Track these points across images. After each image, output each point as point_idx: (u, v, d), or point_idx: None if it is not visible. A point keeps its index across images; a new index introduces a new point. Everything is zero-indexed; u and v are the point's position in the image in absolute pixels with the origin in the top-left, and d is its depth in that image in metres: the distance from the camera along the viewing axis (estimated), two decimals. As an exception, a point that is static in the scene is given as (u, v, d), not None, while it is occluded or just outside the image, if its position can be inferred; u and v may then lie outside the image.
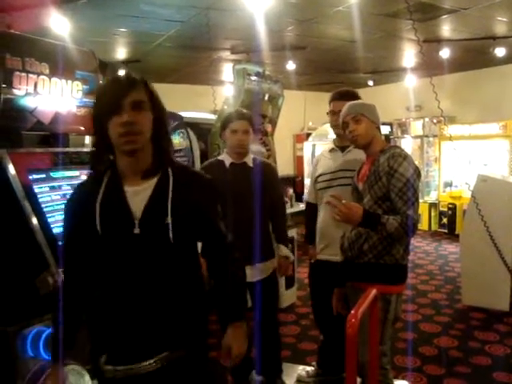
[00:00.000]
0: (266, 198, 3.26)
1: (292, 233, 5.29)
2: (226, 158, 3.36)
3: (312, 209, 3.56)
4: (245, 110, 3.49)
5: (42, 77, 2.65)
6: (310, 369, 3.85)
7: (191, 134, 5.60)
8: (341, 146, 3.39)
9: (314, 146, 9.31)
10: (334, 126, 3.40)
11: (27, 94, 2.58)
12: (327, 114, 3.43)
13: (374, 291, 2.21)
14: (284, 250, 3.51)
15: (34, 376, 2.28)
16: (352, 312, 1.93)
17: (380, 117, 2.89)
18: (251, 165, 3.36)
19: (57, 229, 2.54)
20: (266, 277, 3.38)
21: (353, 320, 1.85)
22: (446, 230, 9.77)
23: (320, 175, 3.42)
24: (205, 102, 7.15)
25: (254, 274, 3.22)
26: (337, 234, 3.06)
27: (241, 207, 3.07)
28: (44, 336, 2.29)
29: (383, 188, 2.65)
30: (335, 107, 3.30)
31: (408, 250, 2.78)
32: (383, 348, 2.71)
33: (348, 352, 1.80)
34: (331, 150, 3.46)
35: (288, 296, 5.47)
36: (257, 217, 3.20)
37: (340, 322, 3.30)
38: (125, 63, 9.41)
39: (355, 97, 3.25)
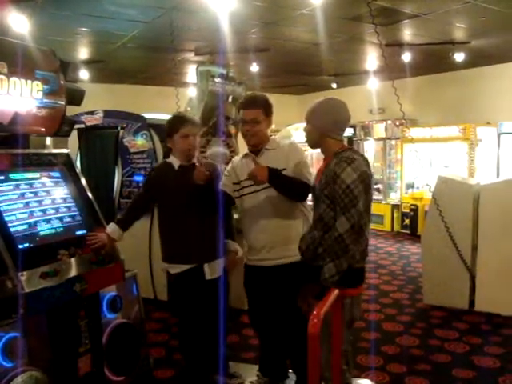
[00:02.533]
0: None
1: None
2: (175, 161, 3.38)
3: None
4: (190, 115, 3.52)
5: (0, 76, 2.58)
6: (255, 379, 3.68)
7: (154, 135, 5.56)
8: (253, 150, 3.32)
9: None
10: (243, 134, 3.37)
11: (-15, 93, 2.52)
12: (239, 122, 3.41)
13: (336, 291, 2.23)
14: (233, 245, 3.54)
15: (-9, 383, 2.23)
16: (314, 312, 1.95)
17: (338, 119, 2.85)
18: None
19: (15, 232, 2.48)
20: (219, 276, 3.39)
21: (315, 320, 1.87)
22: (408, 231, 9.94)
23: (239, 182, 3.35)
24: (169, 103, 7.09)
25: (210, 272, 3.30)
26: (266, 241, 3.19)
27: (191, 207, 3.19)
28: (2, 342, 2.23)
29: (332, 192, 2.67)
30: (245, 116, 3.27)
31: (365, 253, 2.78)
32: (346, 346, 2.74)
33: (311, 352, 1.81)
34: (245, 156, 3.40)
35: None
36: (207, 215, 3.29)
37: (279, 325, 3.38)
38: (88, 63, 9.28)
39: (257, 101, 3.28)
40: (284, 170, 3.13)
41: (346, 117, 2.87)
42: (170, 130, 3.39)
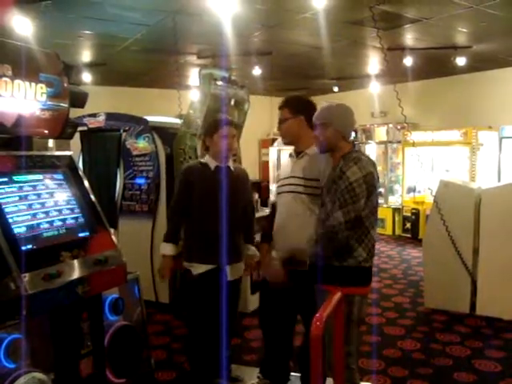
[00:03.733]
0: (243, 201, 3.58)
1: (257, 237, 5.30)
2: (211, 161, 3.51)
3: (274, 209, 3.53)
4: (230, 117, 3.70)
5: (4, 79, 2.58)
6: (255, 381, 3.65)
7: (156, 138, 5.58)
8: (297, 151, 3.36)
9: (279, 151, 9.35)
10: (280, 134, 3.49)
11: (-11, 96, 2.53)
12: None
13: (338, 294, 2.24)
14: (252, 250, 3.67)
15: (-6, 384, 2.23)
16: (317, 315, 1.96)
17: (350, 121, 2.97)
18: (233, 169, 3.58)
19: (19, 234, 2.49)
20: (238, 278, 3.58)
21: (318, 323, 1.87)
22: (409, 235, 9.95)
23: (278, 180, 3.46)
24: (171, 106, 7.10)
25: (232, 273, 3.45)
26: (283, 240, 3.22)
27: (223, 209, 3.31)
28: (5, 343, 2.24)
29: (337, 190, 2.74)
30: (279, 116, 3.35)
31: (372, 253, 2.83)
32: (349, 348, 2.75)
33: (313, 354, 1.82)
34: (290, 156, 3.46)
35: (254, 300, 5.46)
36: (238, 218, 3.49)
37: (287, 328, 3.39)
38: (91, 66, 9.30)
39: (288, 100, 3.36)
40: (314, 180, 3.14)
41: (355, 121, 3.05)
42: (210, 129, 3.54)
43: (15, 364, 2.27)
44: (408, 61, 8.70)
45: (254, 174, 12.00)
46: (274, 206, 3.56)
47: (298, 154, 3.34)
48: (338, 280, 2.71)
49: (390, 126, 10.92)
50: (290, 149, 3.49)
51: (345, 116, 2.93)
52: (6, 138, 2.80)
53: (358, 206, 2.66)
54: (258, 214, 6.13)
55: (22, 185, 2.71)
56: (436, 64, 9.42)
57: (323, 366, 2.08)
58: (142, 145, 5.62)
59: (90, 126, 5.87)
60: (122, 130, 5.75)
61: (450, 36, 7.56)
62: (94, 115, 5.86)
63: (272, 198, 3.72)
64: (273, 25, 6.85)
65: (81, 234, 2.88)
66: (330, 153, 2.95)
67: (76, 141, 5.71)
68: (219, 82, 5.46)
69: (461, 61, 8.67)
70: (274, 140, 11.68)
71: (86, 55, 8.75)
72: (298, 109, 3.28)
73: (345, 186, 2.68)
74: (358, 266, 2.74)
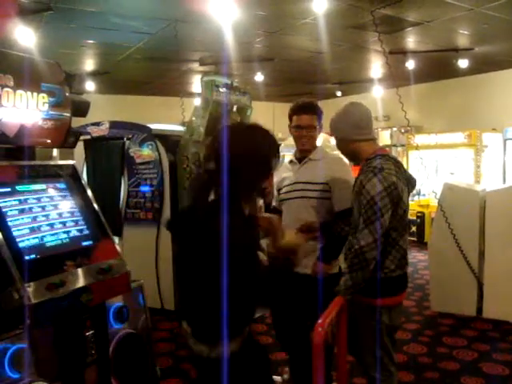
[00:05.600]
0: None
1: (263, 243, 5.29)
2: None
3: (275, 213, 3.47)
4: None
5: (6, 89, 2.60)
6: (286, 375, 3.80)
7: (160, 145, 5.59)
8: (299, 157, 3.38)
9: (283, 156, 9.34)
10: (298, 139, 3.36)
11: (-9, 106, 2.54)
12: (293, 127, 3.36)
13: (340, 301, 2.23)
14: (260, 255, 3.59)
15: (-1, 394, 2.23)
16: (319, 321, 1.95)
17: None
18: None
19: (22, 243, 2.50)
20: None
21: (319, 329, 1.87)
22: (414, 238, 9.91)
23: (282, 187, 3.42)
24: (174, 113, 7.12)
25: None
26: None
27: None
28: (9, 353, 2.24)
29: (359, 203, 2.63)
30: (302, 121, 3.28)
31: (401, 263, 2.72)
32: (379, 355, 2.72)
33: (315, 361, 1.81)
34: (290, 162, 3.47)
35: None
36: None
37: (303, 336, 3.37)
38: (93, 75, 9.35)
39: (316, 108, 3.34)
40: (324, 184, 3.16)
41: (365, 115, 2.82)
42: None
43: (20, 374, 2.26)
44: (410, 64, 8.72)
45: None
46: (275, 210, 3.54)
47: (299, 160, 3.35)
48: (367, 291, 2.62)
49: (394, 129, 10.91)
50: (290, 155, 3.49)
51: (341, 120, 2.80)
52: (8, 148, 2.81)
53: (383, 220, 2.51)
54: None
55: (25, 195, 2.71)
56: (438, 67, 9.43)
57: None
58: (145, 152, 5.63)
59: (94, 134, 5.89)
60: (125, 138, 5.77)
61: (452, 38, 7.57)
62: (97, 124, 5.88)
63: (273, 203, 3.64)
64: (274, 31, 6.88)
65: (84, 243, 2.88)
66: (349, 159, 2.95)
67: (80, 149, 5.74)
68: (221, 89, 5.47)
69: (463, 63, 8.68)
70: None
71: (89, 64, 8.80)
72: (321, 117, 3.31)
73: (366, 202, 2.53)
74: (385, 278, 2.63)
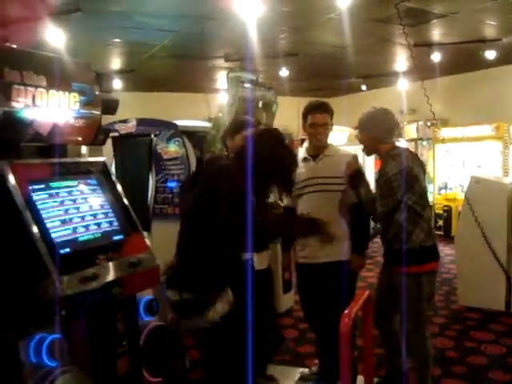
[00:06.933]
0: None
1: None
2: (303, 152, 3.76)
3: (289, 213, 3.72)
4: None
5: (39, 89, 2.68)
6: (314, 368, 3.88)
7: (187, 142, 5.66)
8: (313, 154, 3.59)
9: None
10: (314, 136, 3.58)
11: (26, 106, 2.61)
12: (309, 125, 3.55)
13: (366, 292, 2.26)
14: None
15: (37, 383, 2.32)
16: (346, 312, 1.99)
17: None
18: None
19: (56, 238, 2.58)
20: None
21: (346, 319, 1.90)
22: (441, 232, 9.80)
23: (296, 183, 3.52)
24: (199, 110, 7.20)
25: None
26: (312, 238, 3.37)
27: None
28: (46, 343, 2.33)
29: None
30: (318, 120, 3.50)
31: (430, 233, 3.26)
32: (421, 318, 3.23)
33: (342, 349, 1.85)
34: (304, 160, 3.63)
35: (286, 300, 5.51)
36: None
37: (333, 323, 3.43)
38: (120, 73, 9.49)
39: (329, 107, 3.59)
40: (341, 177, 3.36)
41: (395, 123, 3.47)
42: (234, 129, 3.64)
43: (56, 362, 2.36)
44: (436, 56, 8.64)
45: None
46: (288, 210, 3.69)
47: (313, 157, 3.56)
48: (404, 261, 3.05)
49: (420, 123, 10.81)
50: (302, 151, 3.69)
51: (378, 123, 3.26)
52: (42, 147, 2.90)
53: (395, 198, 3.05)
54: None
55: (58, 191, 2.80)
56: (464, 58, 9.32)
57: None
58: (172, 149, 5.70)
59: (122, 131, 5.98)
60: (152, 135, 5.85)
61: (479, 29, 7.49)
62: (124, 121, 5.97)
63: (285, 201, 3.80)
64: (299, 27, 6.89)
65: (115, 238, 2.96)
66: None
67: (108, 146, 5.84)
68: (247, 85, 5.52)
69: (490, 54, 8.56)
70: (302, 140, 11.69)
71: (115, 63, 8.94)
72: (332, 116, 3.57)
73: (384, 181, 3.11)
74: (417, 247, 3.11)
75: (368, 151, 3.43)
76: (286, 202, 3.83)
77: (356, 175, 3.28)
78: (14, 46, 2.93)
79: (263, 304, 3.45)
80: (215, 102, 9.26)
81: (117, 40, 7.32)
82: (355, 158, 3.48)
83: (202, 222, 2.66)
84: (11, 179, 2.50)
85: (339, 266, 3.37)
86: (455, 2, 6.07)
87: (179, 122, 5.95)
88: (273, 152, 2.53)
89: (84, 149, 5.97)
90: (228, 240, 2.63)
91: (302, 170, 3.56)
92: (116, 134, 5.95)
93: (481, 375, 3.98)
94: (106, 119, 3.78)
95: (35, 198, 2.61)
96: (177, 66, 9.26)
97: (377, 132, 3.26)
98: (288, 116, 10.65)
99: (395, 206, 3.07)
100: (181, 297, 2.42)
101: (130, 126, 5.96)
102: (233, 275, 2.75)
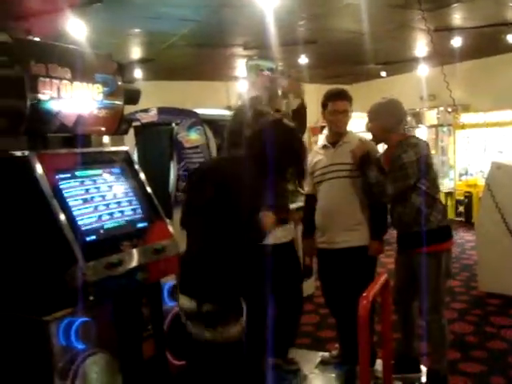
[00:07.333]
0: None
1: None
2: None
3: (310, 200, 3.80)
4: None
5: (64, 81, 2.75)
6: (334, 352, 3.94)
7: (207, 130, 5.71)
8: (332, 141, 3.65)
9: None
10: (334, 124, 3.66)
11: (51, 98, 2.69)
12: (329, 113, 3.61)
13: (384, 276, 2.31)
14: None
15: (66, 364, 2.42)
16: (364, 294, 2.04)
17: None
18: None
19: (83, 225, 2.67)
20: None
21: (364, 302, 1.95)
22: (462, 219, 9.76)
23: (315, 170, 3.65)
24: (219, 98, 7.25)
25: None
26: (332, 224, 3.50)
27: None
28: (75, 326, 2.42)
29: None
30: (339, 107, 3.56)
31: (445, 214, 3.47)
32: (440, 296, 3.40)
33: (361, 333, 1.90)
34: (323, 147, 3.72)
35: (306, 286, 5.53)
36: None
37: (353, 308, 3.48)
38: (140, 62, 9.56)
39: (348, 94, 3.66)
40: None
41: (404, 113, 3.62)
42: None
43: (85, 345, 2.45)
44: (456, 41, 8.54)
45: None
46: (309, 197, 3.76)
47: (332, 144, 3.62)
48: (424, 242, 3.20)
49: (441, 109, 10.71)
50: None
51: (389, 113, 3.39)
52: (67, 137, 2.99)
53: (407, 182, 3.22)
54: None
55: (83, 180, 2.89)
56: (486, 43, 9.18)
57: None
58: (193, 137, 5.75)
59: (143, 121, 6.05)
60: (173, 124, 5.91)
61: (501, 12, 7.37)
62: (146, 110, 6.04)
63: (305, 188, 3.85)
64: (317, 13, 6.88)
65: (139, 225, 3.04)
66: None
67: (130, 136, 5.92)
68: (266, 73, 5.54)
69: (513, 37, 8.43)
70: (322, 127, 11.68)
71: (135, 52, 9.01)
72: (351, 103, 3.64)
73: (399, 166, 3.21)
74: (436, 227, 3.28)
75: (377, 140, 3.57)
76: (307, 189, 3.88)
77: (364, 159, 3.36)
78: (38, 39, 3.00)
79: (292, 273, 3.64)
80: (234, 90, 9.28)
81: (137, 30, 7.37)
82: (363, 141, 3.56)
83: (220, 225, 2.41)
84: (39, 169, 2.59)
85: (358, 251, 3.44)
86: (476, -14, 6.01)
87: (198, 110, 6.01)
88: (283, 140, 2.47)
89: (106, 138, 6.07)
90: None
91: (321, 157, 3.65)
92: (138, 124, 6.03)
93: (500, 360, 4.00)
94: (128, 109, 3.86)
95: (62, 186, 2.70)
96: (196, 54, 9.29)
97: (387, 122, 3.37)
98: (308, 103, 10.66)
99: (406, 189, 3.23)
100: (201, 308, 2.32)
101: (152, 115, 6.03)
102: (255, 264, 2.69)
